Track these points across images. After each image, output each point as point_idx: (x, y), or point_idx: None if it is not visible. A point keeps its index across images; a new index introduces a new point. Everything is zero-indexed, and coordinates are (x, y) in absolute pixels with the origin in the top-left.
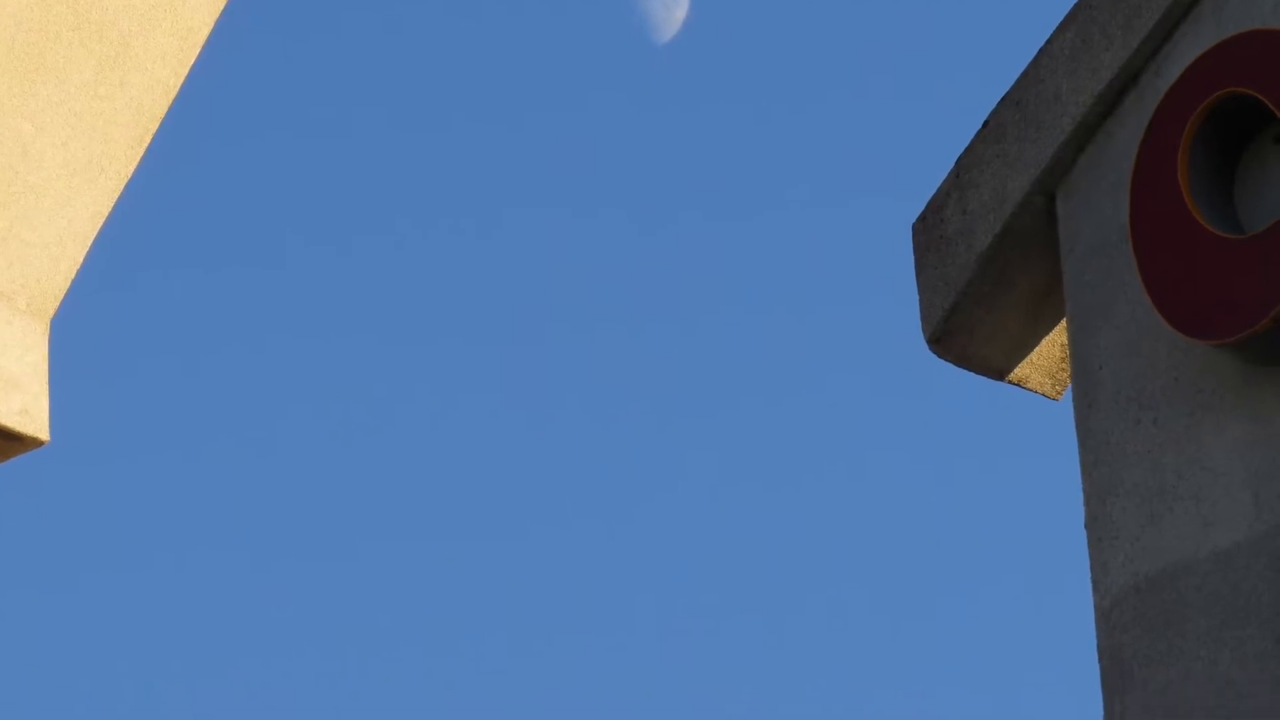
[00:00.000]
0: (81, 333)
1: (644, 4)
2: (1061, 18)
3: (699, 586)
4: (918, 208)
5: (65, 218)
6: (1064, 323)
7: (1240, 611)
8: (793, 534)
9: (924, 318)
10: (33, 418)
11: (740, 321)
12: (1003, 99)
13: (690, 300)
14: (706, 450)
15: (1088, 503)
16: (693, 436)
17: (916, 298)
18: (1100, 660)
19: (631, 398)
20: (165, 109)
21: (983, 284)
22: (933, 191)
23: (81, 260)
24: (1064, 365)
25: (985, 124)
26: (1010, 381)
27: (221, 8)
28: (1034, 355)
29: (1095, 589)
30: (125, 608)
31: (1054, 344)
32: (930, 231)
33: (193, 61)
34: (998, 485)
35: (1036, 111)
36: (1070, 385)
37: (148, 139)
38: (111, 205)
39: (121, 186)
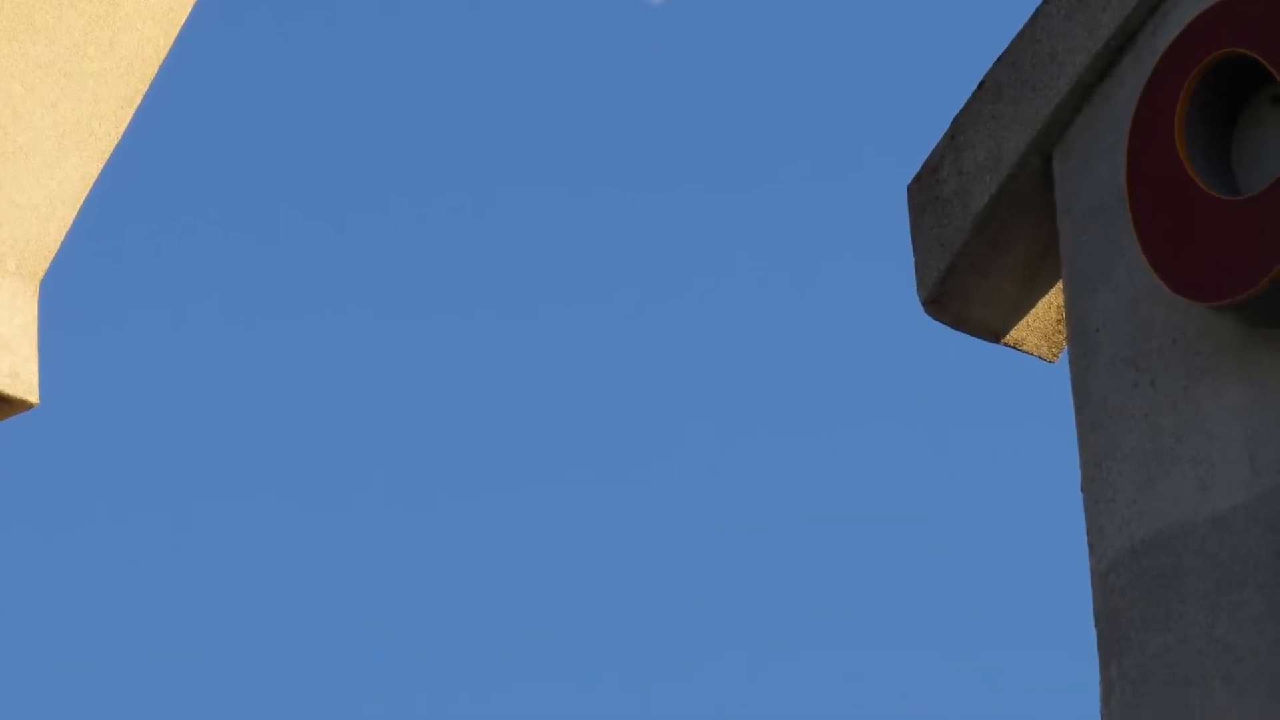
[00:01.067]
0: (71, 293)
1: None
2: None
3: (699, 558)
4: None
5: (55, 179)
6: (1060, 285)
7: (1237, 575)
8: (793, 503)
9: (919, 279)
10: (22, 380)
11: (738, 294)
12: (999, 59)
13: (687, 273)
14: (705, 423)
15: (1084, 466)
16: (692, 410)
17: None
18: (1096, 624)
19: (629, 372)
20: (155, 69)
21: (978, 246)
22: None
23: (71, 222)
24: (1060, 328)
25: (981, 84)
26: (1006, 344)
27: None
28: (1030, 317)
29: (1091, 552)
30: (117, 567)
31: (1050, 306)
32: (926, 193)
33: (183, 21)
34: (993, 448)
35: (1033, 72)
36: (1067, 348)
37: (138, 100)
38: (101, 166)
39: (111, 148)
